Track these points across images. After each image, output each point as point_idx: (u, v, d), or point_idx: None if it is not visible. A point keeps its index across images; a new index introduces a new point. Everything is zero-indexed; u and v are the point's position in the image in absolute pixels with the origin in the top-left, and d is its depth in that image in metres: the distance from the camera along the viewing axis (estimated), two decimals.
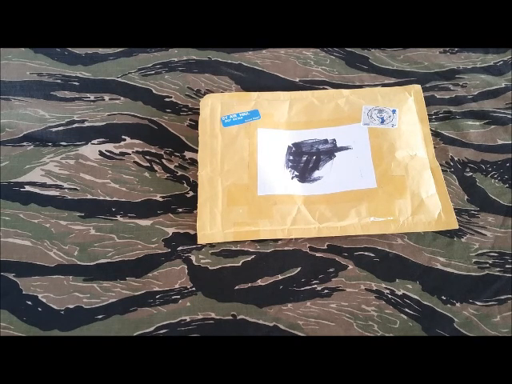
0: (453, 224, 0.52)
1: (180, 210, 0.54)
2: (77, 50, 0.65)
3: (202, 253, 0.52)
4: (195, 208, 0.53)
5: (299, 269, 0.51)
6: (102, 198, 0.55)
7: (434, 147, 0.57)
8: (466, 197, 0.55)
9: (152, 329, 0.48)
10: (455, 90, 0.62)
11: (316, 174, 0.55)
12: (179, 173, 0.56)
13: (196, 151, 0.56)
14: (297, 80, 0.63)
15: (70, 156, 0.57)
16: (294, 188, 0.54)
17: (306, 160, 0.55)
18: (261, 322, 0.48)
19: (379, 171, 0.54)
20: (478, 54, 0.65)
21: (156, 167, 0.57)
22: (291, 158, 0.56)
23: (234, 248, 0.52)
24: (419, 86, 0.61)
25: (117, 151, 0.57)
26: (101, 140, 0.58)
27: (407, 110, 0.58)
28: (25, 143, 0.58)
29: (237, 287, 0.50)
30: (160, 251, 0.52)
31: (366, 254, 0.52)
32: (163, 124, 0.59)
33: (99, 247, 0.52)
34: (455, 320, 0.48)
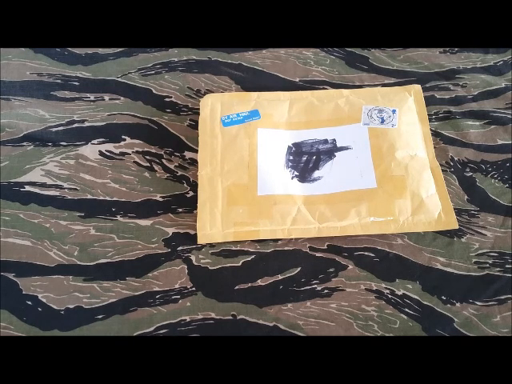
0: (453, 224, 0.52)
1: (180, 209, 0.54)
2: (77, 50, 0.65)
3: (202, 253, 0.52)
4: (195, 208, 0.53)
5: (299, 269, 0.51)
6: (101, 198, 0.55)
7: (434, 147, 0.57)
8: (466, 197, 0.55)
9: (152, 329, 0.48)
10: (455, 90, 0.62)
11: (316, 174, 0.55)
12: (179, 173, 0.56)
13: (196, 151, 0.56)
14: (297, 80, 0.63)
15: (70, 156, 0.57)
16: (293, 188, 0.54)
17: (306, 160, 0.55)
18: (261, 322, 0.48)
19: (379, 171, 0.54)
20: (478, 53, 0.65)
21: (156, 167, 0.57)
22: (291, 157, 0.56)
23: (234, 248, 0.52)
24: (419, 86, 0.61)
25: (117, 151, 0.57)
26: (101, 140, 0.58)
27: (407, 109, 0.58)
28: (25, 143, 0.58)
29: (237, 287, 0.50)
30: (160, 251, 0.52)
31: (366, 253, 0.52)
32: (163, 124, 0.59)
33: (99, 247, 0.52)
34: (455, 320, 0.48)
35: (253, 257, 0.52)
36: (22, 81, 0.62)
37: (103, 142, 0.58)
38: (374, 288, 0.50)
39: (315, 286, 0.50)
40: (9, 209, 0.54)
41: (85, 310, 0.49)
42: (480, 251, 0.52)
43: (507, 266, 0.51)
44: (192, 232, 0.52)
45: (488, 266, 0.51)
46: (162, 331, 0.48)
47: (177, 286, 0.50)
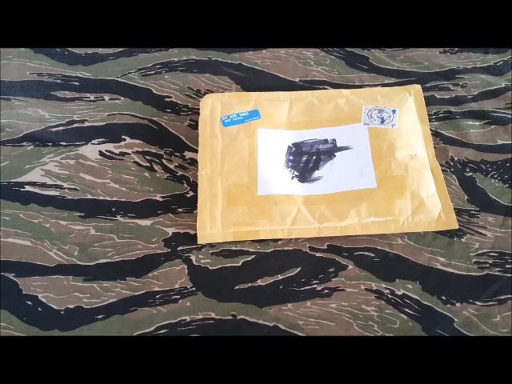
0: (453, 224, 0.52)
1: (180, 210, 0.54)
2: (77, 50, 0.65)
3: (202, 253, 0.52)
4: (195, 208, 0.53)
5: (299, 269, 0.51)
6: (101, 197, 0.55)
7: (434, 147, 0.57)
8: (466, 197, 0.55)
9: (152, 329, 0.48)
10: (455, 90, 0.62)
11: (316, 173, 0.55)
12: (179, 173, 0.56)
13: (196, 151, 0.56)
14: (297, 80, 0.63)
15: (70, 156, 0.57)
16: (294, 188, 0.54)
17: (306, 160, 0.55)
18: (261, 322, 0.48)
19: (379, 171, 0.54)
20: (478, 54, 0.65)
21: (156, 167, 0.57)
22: (291, 157, 0.56)
23: (234, 248, 0.52)
24: (419, 85, 0.61)
25: (117, 151, 0.57)
26: (101, 140, 0.58)
27: (407, 109, 0.58)
28: (25, 143, 0.58)
29: (237, 287, 0.50)
30: (160, 251, 0.52)
31: (366, 253, 0.52)
32: (163, 124, 0.59)
33: (99, 247, 0.52)
34: (455, 320, 0.48)
35: (253, 257, 0.52)
36: (22, 81, 0.62)
37: (103, 142, 0.58)
38: (374, 288, 0.50)
39: (315, 286, 0.50)
40: (9, 209, 0.54)
41: (85, 309, 0.49)
42: (480, 251, 0.52)
43: (507, 266, 0.51)
44: (192, 232, 0.52)
45: (488, 266, 0.51)
46: (162, 331, 0.48)
47: (177, 286, 0.50)
